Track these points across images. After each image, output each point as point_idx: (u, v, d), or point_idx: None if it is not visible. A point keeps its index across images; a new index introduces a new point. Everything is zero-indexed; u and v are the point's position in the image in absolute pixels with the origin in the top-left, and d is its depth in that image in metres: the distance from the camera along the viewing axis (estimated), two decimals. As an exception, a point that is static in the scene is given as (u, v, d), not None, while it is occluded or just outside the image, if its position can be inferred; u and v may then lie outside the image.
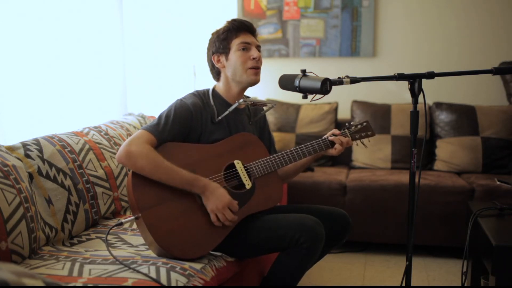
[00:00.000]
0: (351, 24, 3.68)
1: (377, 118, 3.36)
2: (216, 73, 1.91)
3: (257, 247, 1.78)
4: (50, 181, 1.87)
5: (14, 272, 0.84)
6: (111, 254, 1.56)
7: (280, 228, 1.72)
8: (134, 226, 2.01)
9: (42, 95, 2.34)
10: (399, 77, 1.51)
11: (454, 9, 3.57)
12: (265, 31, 3.82)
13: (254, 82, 1.85)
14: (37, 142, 1.92)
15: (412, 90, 1.51)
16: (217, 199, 1.67)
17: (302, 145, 1.91)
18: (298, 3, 3.75)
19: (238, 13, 3.84)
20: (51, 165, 1.89)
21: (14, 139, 2.01)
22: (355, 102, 3.51)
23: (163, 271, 1.48)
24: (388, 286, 2.54)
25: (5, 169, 1.63)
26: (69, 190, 1.91)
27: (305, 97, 1.55)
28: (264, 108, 2.03)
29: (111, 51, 2.92)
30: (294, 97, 3.34)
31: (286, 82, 1.61)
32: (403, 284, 1.59)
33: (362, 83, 1.55)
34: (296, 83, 1.54)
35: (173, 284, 1.44)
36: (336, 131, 1.96)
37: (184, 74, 3.47)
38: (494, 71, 1.52)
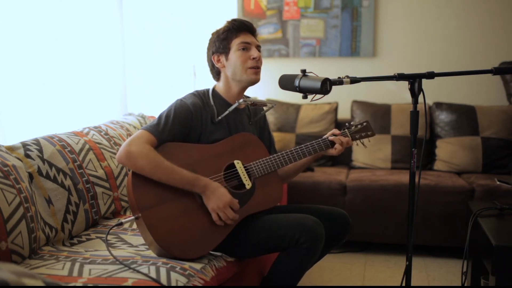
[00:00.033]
0: (351, 24, 3.68)
1: (377, 118, 3.36)
2: (216, 73, 1.91)
3: (257, 247, 1.78)
4: (50, 181, 1.87)
5: (14, 272, 0.84)
6: (111, 254, 1.56)
7: (280, 228, 1.72)
8: (134, 226, 2.01)
9: (42, 95, 2.34)
10: (399, 77, 1.51)
11: (454, 9, 3.57)
12: (265, 31, 3.82)
13: (254, 81, 1.85)
14: (37, 142, 1.92)
15: (412, 90, 1.51)
16: (218, 198, 1.67)
17: (302, 145, 1.91)
18: (298, 3, 3.75)
19: (238, 13, 3.84)
20: (51, 165, 1.89)
21: (14, 139, 2.01)
22: (355, 102, 3.52)
23: (163, 271, 1.48)
24: (388, 286, 2.54)
25: (5, 169, 1.63)
26: (69, 190, 1.91)
27: (305, 97, 1.55)
28: (264, 108, 2.03)
29: (111, 51, 2.92)
30: (294, 97, 3.34)
31: (286, 82, 1.61)
32: (403, 284, 1.59)
33: (362, 83, 1.55)
34: (296, 83, 1.54)
35: (173, 284, 1.44)
36: (336, 131, 1.96)
37: (184, 74, 3.47)
38: (494, 71, 1.52)
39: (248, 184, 1.80)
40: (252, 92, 3.60)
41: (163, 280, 1.44)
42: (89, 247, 1.84)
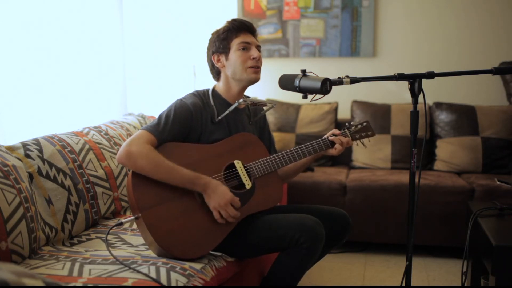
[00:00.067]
0: (351, 24, 3.68)
1: (377, 118, 3.36)
2: (216, 73, 1.91)
3: (257, 247, 1.78)
4: (50, 181, 1.87)
5: (14, 272, 0.84)
6: (111, 254, 1.56)
7: (280, 228, 1.72)
8: (134, 226, 2.01)
9: (42, 95, 2.34)
10: (399, 77, 1.51)
11: (454, 9, 3.57)
12: (265, 31, 3.82)
13: (255, 80, 1.85)
14: (37, 142, 1.92)
15: (412, 90, 1.51)
16: (219, 196, 1.67)
17: (302, 145, 1.91)
18: (298, 3, 3.75)
19: (238, 13, 3.84)
20: (51, 165, 1.89)
21: (14, 139, 2.01)
22: (355, 102, 3.52)
23: (163, 271, 1.48)
24: (388, 286, 2.54)
25: (5, 169, 1.63)
26: (69, 190, 1.91)
27: (305, 97, 1.55)
28: (264, 108, 2.03)
29: (111, 51, 2.92)
30: (294, 97, 3.34)
31: (286, 82, 1.61)
32: (403, 284, 1.59)
33: (362, 83, 1.55)
34: (296, 83, 1.54)
35: (173, 284, 1.44)
36: (336, 131, 1.96)
37: (184, 74, 3.47)
38: (494, 71, 1.52)
39: (248, 184, 1.80)
40: (252, 92, 3.60)
41: (163, 280, 1.44)
42: (89, 247, 1.84)
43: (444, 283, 2.57)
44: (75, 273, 1.49)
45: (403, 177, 2.99)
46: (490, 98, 3.53)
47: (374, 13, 3.65)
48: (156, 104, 3.23)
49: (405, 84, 1.54)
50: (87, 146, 2.09)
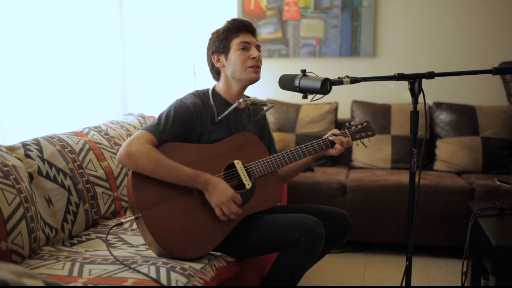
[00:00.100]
0: (351, 24, 3.68)
1: (377, 118, 3.36)
2: (216, 73, 1.91)
3: (257, 247, 1.78)
4: (50, 181, 1.87)
5: (14, 272, 0.84)
6: (112, 254, 1.56)
7: (280, 228, 1.72)
8: (134, 226, 2.01)
9: (42, 95, 2.34)
10: (399, 77, 1.51)
11: (454, 9, 3.57)
12: (265, 31, 3.82)
13: (254, 79, 1.85)
14: (37, 142, 1.92)
15: (412, 90, 1.51)
16: (220, 193, 1.67)
17: (302, 145, 1.91)
18: (298, 3, 3.75)
19: (238, 13, 3.84)
20: (51, 165, 1.89)
21: (14, 139, 2.01)
22: (355, 102, 3.52)
23: (163, 271, 1.48)
24: (388, 286, 2.54)
25: (5, 169, 1.63)
26: (69, 190, 1.91)
27: (305, 97, 1.55)
28: (264, 108, 2.03)
29: (111, 51, 2.92)
30: (294, 97, 3.34)
31: (286, 82, 1.61)
32: (403, 284, 1.59)
33: (362, 83, 1.56)
34: (296, 83, 1.54)
35: (173, 284, 1.44)
36: (336, 131, 1.96)
37: (184, 74, 3.47)
38: (494, 71, 1.52)
39: (248, 184, 1.80)
40: (252, 92, 3.60)
41: (163, 280, 1.44)
42: (89, 247, 1.84)
43: (444, 283, 2.57)
44: (75, 273, 1.49)
45: (403, 177, 2.99)
46: (490, 98, 3.53)
47: (374, 13, 3.65)
48: (156, 104, 3.23)
49: (405, 84, 1.54)
50: (87, 146, 2.09)
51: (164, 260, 1.57)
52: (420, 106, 1.52)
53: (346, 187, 2.99)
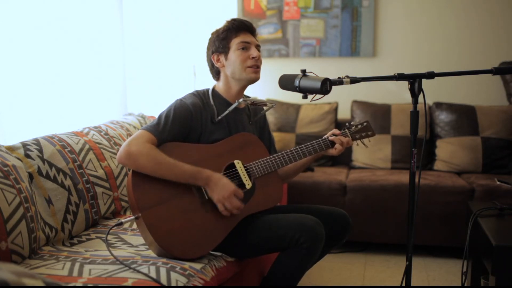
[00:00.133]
0: (351, 24, 3.68)
1: (377, 118, 3.36)
2: (216, 73, 1.91)
3: (257, 247, 1.78)
4: (50, 181, 1.87)
5: (14, 272, 0.84)
6: (112, 254, 1.56)
7: (280, 228, 1.72)
8: (134, 226, 2.01)
9: (42, 95, 2.34)
10: (399, 77, 1.51)
11: (454, 9, 3.57)
12: (265, 31, 3.82)
13: (254, 79, 1.85)
14: (37, 142, 1.92)
15: (412, 90, 1.51)
16: (222, 188, 1.67)
17: (302, 145, 1.91)
18: (298, 3, 3.75)
19: (238, 13, 3.84)
20: (51, 165, 1.89)
21: (14, 139, 2.01)
22: (355, 102, 3.52)
23: (163, 271, 1.48)
24: (388, 286, 2.54)
25: (5, 169, 1.63)
26: (69, 190, 1.91)
27: (305, 97, 1.55)
28: (264, 107, 2.03)
29: (111, 51, 2.92)
30: (294, 97, 3.34)
31: (286, 82, 1.61)
32: (403, 284, 1.59)
33: (362, 83, 1.56)
34: (296, 83, 1.54)
35: (173, 284, 1.44)
36: (336, 131, 1.96)
37: (184, 74, 3.47)
38: (494, 71, 1.52)
39: (248, 184, 1.80)
40: (252, 92, 3.60)
41: (163, 280, 1.44)
42: (89, 247, 1.84)
43: (444, 283, 2.57)
44: (75, 273, 1.49)
45: (403, 177, 2.99)
46: (490, 98, 3.53)
47: (374, 13, 3.65)
48: (156, 104, 3.23)
49: (405, 84, 1.54)
50: (87, 146, 2.09)
51: (164, 260, 1.57)
52: (420, 106, 1.52)
53: (346, 187, 2.99)
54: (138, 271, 1.46)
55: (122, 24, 3.02)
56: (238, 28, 1.84)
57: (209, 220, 1.69)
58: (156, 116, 1.76)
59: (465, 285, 2.18)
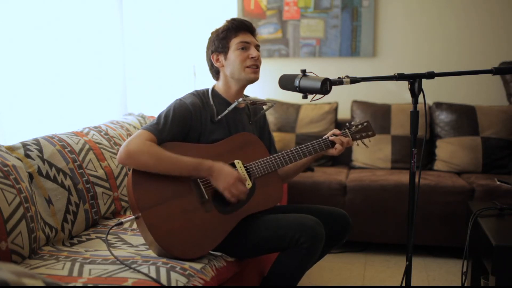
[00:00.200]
0: (351, 24, 3.68)
1: (377, 118, 3.36)
2: (215, 72, 1.91)
3: (257, 247, 1.78)
4: (50, 181, 1.87)
5: (14, 272, 0.84)
6: (112, 254, 1.56)
7: (280, 228, 1.72)
8: (134, 226, 2.01)
9: (42, 95, 2.34)
10: (399, 77, 1.51)
11: (454, 9, 3.57)
12: (265, 31, 3.82)
13: (253, 79, 1.85)
14: (37, 142, 1.92)
15: (412, 90, 1.51)
16: (226, 176, 1.68)
17: (303, 145, 1.91)
18: (298, 3, 3.75)
19: (238, 13, 3.84)
20: (51, 165, 1.89)
21: (14, 139, 2.01)
22: (355, 102, 3.52)
23: (163, 271, 1.48)
24: (388, 286, 2.54)
25: (5, 169, 1.63)
26: (69, 190, 1.91)
27: (305, 97, 1.55)
28: (264, 107, 2.03)
29: (111, 51, 2.92)
30: (294, 97, 3.34)
31: (286, 82, 1.61)
32: (403, 284, 1.59)
33: (362, 83, 1.56)
34: (296, 83, 1.54)
35: (173, 284, 1.44)
36: (336, 131, 1.96)
37: (184, 74, 3.47)
38: (494, 71, 1.52)
39: (248, 184, 1.80)
40: (252, 92, 3.59)
41: (163, 280, 1.44)
42: (89, 247, 1.84)
43: (444, 283, 2.57)
44: (75, 273, 1.49)
45: (403, 177, 2.99)
46: (490, 98, 3.53)
47: (374, 13, 3.65)
48: (156, 104, 3.23)
49: (405, 84, 1.54)
50: (87, 146, 2.09)
51: (164, 260, 1.57)
52: (420, 106, 1.52)
53: (346, 187, 2.99)
54: (138, 271, 1.46)
55: (122, 24, 3.02)
56: (237, 28, 1.84)
57: (209, 220, 1.69)
58: (156, 116, 1.76)
59: (465, 285, 2.18)
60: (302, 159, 1.90)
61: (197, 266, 1.58)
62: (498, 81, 3.50)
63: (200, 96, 1.86)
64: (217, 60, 1.87)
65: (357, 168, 3.34)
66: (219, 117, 1.84)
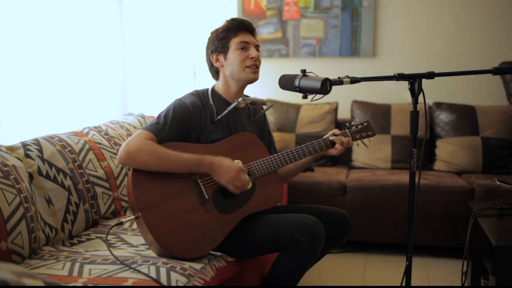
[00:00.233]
0: (351, 24, 3.68)
1: (377, 118, 3.36)
2: (215, 72, 1.91)
3: (257, 247, 1.78)
4: (50, 181, 1.87)
5: (14, 272, 0.84)
6: (112, 254, 1.56)
7: (280, 228, 1.72)
8: (134, 226, 2.01)
9: (42, 95, 2.34)
10: (399, 77, 1.51)
11: (454, 9, 3.57)
12: (265, 31, 3.82)
13: (253, 79, 1.85)
14: (37, 142, 1.92)
15: (412, 90, 1.51)
16: (228, 169, 1.68)
17: (303, 145, 1.91)
18: (298, 3, 3.75)
19: (238, 13, 3.84)
20: (51, 165, 1.89)
21: (14, 139, 2.01)
22: (355, 102, 3.51)
23: (163, 271, 1.48)
24: (388, 286, 2.54)
25: (5, 169, 1.63)
26: (69, 190, 1.91)
27: (305, 97, 1.55)
28: (264, 107, 2.03)
29: (111, 51, 2.92)
30: (294, 97, 3.34)
31: (286, 82, 1.61)
32: (403, 284, 1.59)
33: (362, 83, 1.56)
34: (296, 83, 1.54)
35: (173, 284, 1.44)
36: (336, 131, 1.96)
37: (184, 74, 3.47)
38: (494, 71, 1.52)
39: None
40: (252, 92, 3.59)
41: (163, 280, 1.44)
42: (89, 247, 1.84)
43: (444, 283, 2.57)
44: (75, 273, 1.49)
45: (403, 177, 2.99)
46: (490, 98, 3.53)
47: (374, 13, 3.65)
48: (156, 104, 3.24)
49: (405, 84, 1.54)
50: (87, 146, 2.09)
51: (164, 260, 1.57)
52: (420, 106, 1.52)
53: (346, 187, 2.99)
54: (138, 271, 1.46)
55: (122, 24, 3.02)
56: (237, 28, 1.84)
57: (209, 220, 1.69)
58: (156, 116, 1.76)
59: (465, 285, 2.18)
60: (302, 159, 1.90)
61: (197, 266, 1.58)
62: (498, 81, 3.50)
63: (200, 96, 1.85)
64: (217, 60, 1.87)
65: (357, 168, 3.34)
66: (219, 117, 1.84)
